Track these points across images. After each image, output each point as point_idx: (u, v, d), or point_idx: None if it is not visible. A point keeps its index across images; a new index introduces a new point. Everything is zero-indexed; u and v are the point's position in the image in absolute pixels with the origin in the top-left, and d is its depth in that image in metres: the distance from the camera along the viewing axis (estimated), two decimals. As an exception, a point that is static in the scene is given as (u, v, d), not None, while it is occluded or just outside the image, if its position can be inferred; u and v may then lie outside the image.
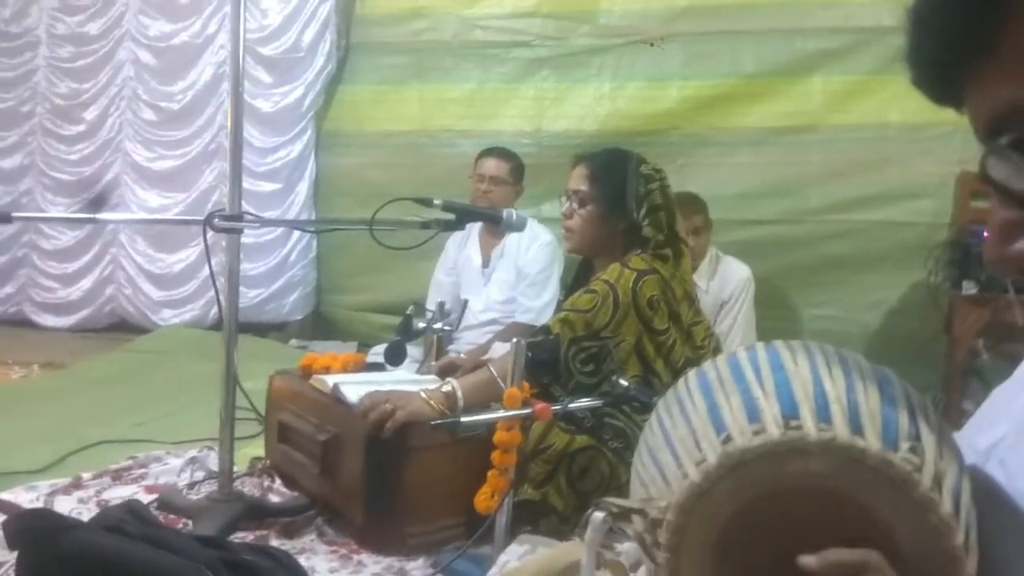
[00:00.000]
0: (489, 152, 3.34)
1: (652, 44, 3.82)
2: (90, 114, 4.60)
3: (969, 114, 0.52)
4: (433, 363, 2.28)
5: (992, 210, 0.52)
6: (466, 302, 3.24)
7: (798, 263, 3.68)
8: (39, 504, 1.92)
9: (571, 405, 1.50)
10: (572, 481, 1.77)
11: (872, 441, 0.71)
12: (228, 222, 1.69)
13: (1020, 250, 0.50)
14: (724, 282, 3.08)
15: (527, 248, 3.19)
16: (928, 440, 0.73)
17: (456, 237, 3.34)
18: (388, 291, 4.18)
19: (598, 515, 0.83)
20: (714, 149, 3.82)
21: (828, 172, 3.65)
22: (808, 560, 0.69)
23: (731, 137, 3.79)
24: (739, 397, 0.77)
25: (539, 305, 3.09)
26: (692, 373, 0.88)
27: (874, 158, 3.47)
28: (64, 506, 1.91)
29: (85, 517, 1.79)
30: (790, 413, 0.73)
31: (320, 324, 4.54)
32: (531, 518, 1.74)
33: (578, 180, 2.01)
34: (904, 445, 0.71)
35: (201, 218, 1.67)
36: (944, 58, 0.51)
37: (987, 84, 0.49)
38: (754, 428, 0.73)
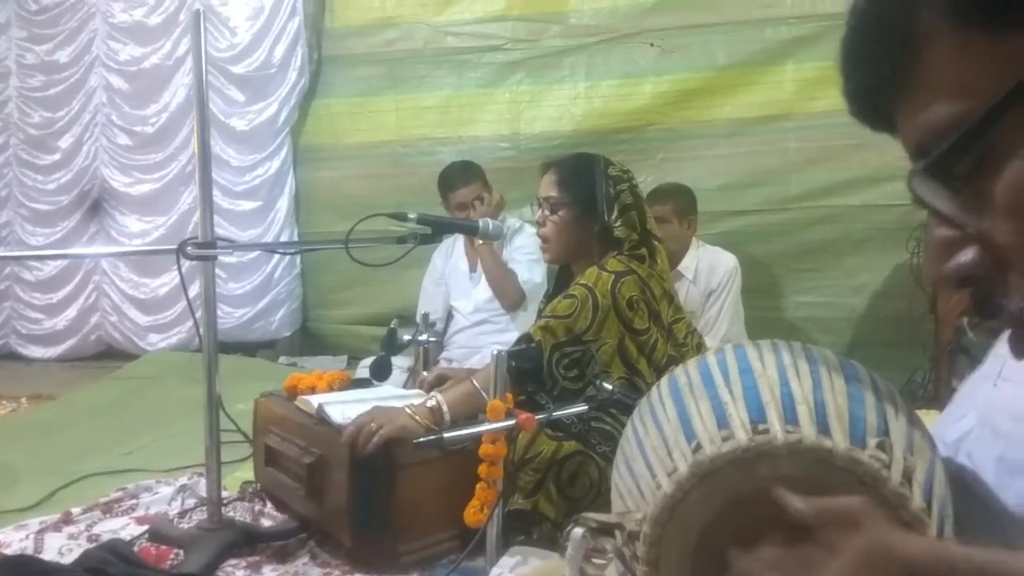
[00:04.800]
0: (458, 180, 3.14)
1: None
2: (64, 142, 4.58)
3: (900, 140, 0.53)
4: (424, 374, 2.26)
5: (929, 229, 0.52)
6: (450, 311, 3.24)
7: (782, 251, 3.71)
8: (29, 543, 1.89)
9: (555, 413, 1.49)
10: (562, 488, 1.76)
11: (839, 440, 0.70)
12: (201, 249, 1.68)
13: (955, 267, 0.50)
14: (712, 272, 3.09)
15: (511, 239, 3.17)
16: (897, 435, 0.72)
17: (442, 249, 3.33)
18: (375, 303, 4.18)
19: (578, 531, 0.82)
20: (692, 142, 3.83)
21: (806, 159, 3.68)
22: (795, 503, 0.65)
23: (708, 129, 3.80)
24: (708, 403, 0.77)
25: (534, 281, 3.04)
26: (664, 380, 0.87)
27: (850, 143, 3.48)
28: (54, 543, 1.89)
29: (76, 553, 1.78)
30: (757, 417, 0.73)
31: (309, 340, 4.52)
32: (524, 528, 1.74)
33: (548, 187, 2.01)
34: (872, 442, 0.71)
35: (174, 247, 1.66)
36: (872, 89, 0.53)
37: (909, 111, 0.50)
38: (723, 434, 0.73)
